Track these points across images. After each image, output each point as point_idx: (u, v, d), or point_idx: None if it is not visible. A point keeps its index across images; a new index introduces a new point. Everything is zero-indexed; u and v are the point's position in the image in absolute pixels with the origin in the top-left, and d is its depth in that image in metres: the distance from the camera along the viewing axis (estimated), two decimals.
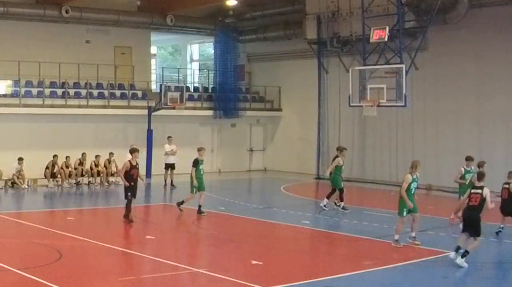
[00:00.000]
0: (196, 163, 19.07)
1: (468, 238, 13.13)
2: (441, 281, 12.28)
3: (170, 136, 26.88)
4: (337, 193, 19.73)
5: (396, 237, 14.84)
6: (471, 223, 13.08)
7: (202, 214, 18.97)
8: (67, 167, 26.24)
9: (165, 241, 15.85)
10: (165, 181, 26.40)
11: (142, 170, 29.03)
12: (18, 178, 25.21)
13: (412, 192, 15.53)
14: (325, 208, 19.22)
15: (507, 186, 16.80)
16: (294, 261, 13.65)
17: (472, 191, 13.37)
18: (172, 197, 24.78)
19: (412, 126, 27.53)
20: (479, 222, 13.05)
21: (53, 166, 25.93)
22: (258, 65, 35.20)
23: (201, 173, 19.21)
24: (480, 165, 17.56)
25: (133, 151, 18.19)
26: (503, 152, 25.09)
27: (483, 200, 13.11)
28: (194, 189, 19.00)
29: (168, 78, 34.39)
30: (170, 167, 26.47)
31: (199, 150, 19.53)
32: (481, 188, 13.31)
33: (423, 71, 26.09)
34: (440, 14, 24.91)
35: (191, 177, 18.93)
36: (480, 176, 13.78)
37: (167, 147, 26.59)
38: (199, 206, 19.05)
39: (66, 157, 26.10)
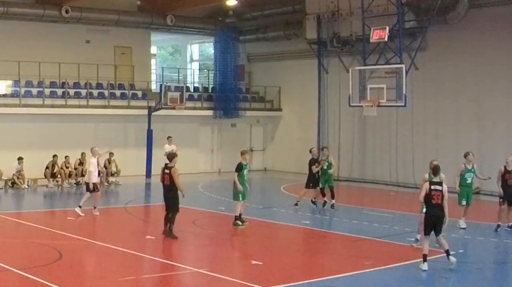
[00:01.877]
0: (240, 168, 17.17)
1: (429, 240, 12.53)
2: (441, 281, 12.28)
3: (170, 137, 26.86)
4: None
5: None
6: (437, 222, 12.51)
7: (243, 223, 17.24)
8: (66, 167, 26.25)
9: (165, 241, 15.84)
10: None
11: (142, 170, 29.20)
12: (18, 178, 25.21)
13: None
14: (332, 208, 19.73)
15: None
16: (294, 261, 13.65)
17: (432, 187, 12.58)
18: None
19: (412, 126, 27.53)
20: (442, 220, 12.55)
21: (53, 166, 25.95)
22: (258, 65, 35.20)
23: (245, 178, 17.36)
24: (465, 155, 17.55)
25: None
26: (503, 151, 24.99)
27: (443, 196, 12.57)
28: (240, 195, 17.22)
29: (168, 78, 34.40)
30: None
31: (243, 153, 17.56)
32: (441, 184, 12.64)
33: (423, 71, 26.10)
34: (440, 14, 24.93)
35: (234, 183, 17.13)
36: (435, 170, 12.84)
37: (167, 147, 26.55)
38: (240, 215, 17.35)
39: (66, 157, 26.11)
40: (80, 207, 18.65)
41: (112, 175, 27.16)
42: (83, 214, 18.54)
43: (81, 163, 26.61)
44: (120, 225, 18.40)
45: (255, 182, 31.36)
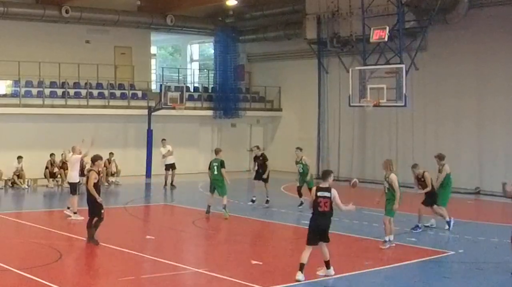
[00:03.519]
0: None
1: (310, 250, 11.64)
2: (441, 281, 12.28)
3: (164, 139, 26.82)
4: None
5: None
6: (323, 231, 11.58)
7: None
8: (64, 163, 26.15)
9: (165, 241, 15.84)
10: (165, 181, 26.35)
11: (142, 170, 29.19)
12: (18, 177, 25.21)
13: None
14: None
15: None
16: (294, 261, 13.61)
17: (319, 194, 11.60)
18: (172, 196, 24.81)
19: (412, 126, 27.53)
20: (328, 228, 11.69)
21: (52, 165, 25.90)
22: (258, 65, 35.20)
23: (213, 173, 19.06)
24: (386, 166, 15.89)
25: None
26: (503, 151, 25.10)
27: (331, 203, 11.58)
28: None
29: (168, 78, 34.41)
30: (170, 167, 26.43)
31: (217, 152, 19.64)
32: (329, 190, 11.63)
33: (423, 71, 26.09)
34: (440, 14, 24.93)
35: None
36: (324, 175, 11.97)
37: (163, 150, 26.53)
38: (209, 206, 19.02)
39: (62, 154, 25.80)
40: (75, 213, 18.39)
41: (112, 175, 27.16)
42: (82, 217, 18.48)
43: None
44: (120, 225, 18.38)
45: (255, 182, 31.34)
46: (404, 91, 23.27)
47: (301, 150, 21.15)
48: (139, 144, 29.49)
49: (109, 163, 27.05)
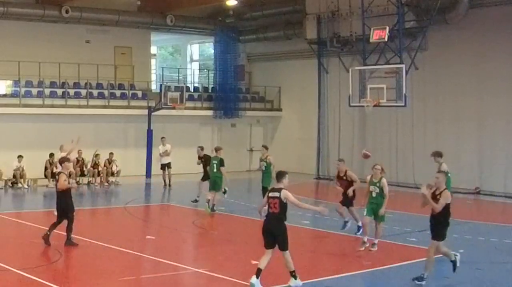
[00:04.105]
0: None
1: (269, 255, 11.18)
2: (442, 281, 12.27)
3: (164, 137, 26.88)
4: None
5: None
6: (274, 234, 11.06)
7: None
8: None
9: (165, 241, 15.84)
10: (164, 181, 26.39)
11: (142, 170, 29.18)
12: (20, 176, 25.21)
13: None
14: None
15: None
16: (294, 261, 13.62)
17: (270, 194, 11.15)
18: (171, 196, 24.80)
19: (412, 126, 27.53)
20: (286, 232, 11.12)
21: (51, 165, 25.88)
22: (258, 65, 35.20)
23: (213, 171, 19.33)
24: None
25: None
26: (503, 151, 25.10)
27: (284, 205, 11.04)
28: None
29: (168, 78, 34.42)
30: (166, 166, 26.45)
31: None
32: (279, 190, 11.10)
33: (423, 71, 26.08)
34: (440, 14, 24.94)
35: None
36: (279, 176, 11.39)
37: (161, 148, 26.58)
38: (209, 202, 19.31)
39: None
40: None
41: (112, 175, 27.16)
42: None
43: (78, 161, 26.57)
44: (120, 225, 18.39)
45: (255, 182, 31.34)
46: (404, 91, 23.28)
47: (267, 148, 21.01)
48: (139, 144, 29.48)
49: (109, 163, 27.06)
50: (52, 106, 27.26)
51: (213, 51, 35.26)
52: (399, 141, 28.21)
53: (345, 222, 16.14)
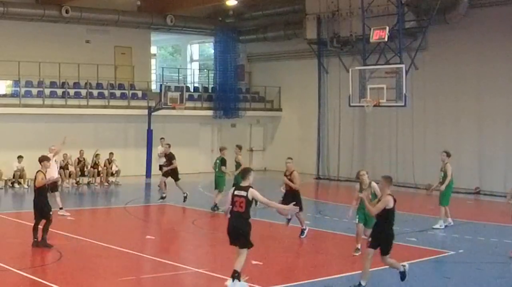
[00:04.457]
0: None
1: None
2: (441, 281, 12.28)
3: (163, 138, 26.87)
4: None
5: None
6: (238, 234, 10.87)
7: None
8: (66, 165, 26.19)
9: (165, 241, 15.85)
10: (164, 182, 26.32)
11: (142, 170, 29.17)
12: (20, 177, 25.20)
13: None
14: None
15: None
16: (294, 261, 13.65)
17: (235, 192, 10.90)
18: (170, 196, 24.77)
19: (412, 126, 27.53)
20: (249, 232, 10.92)
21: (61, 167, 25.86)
22: (258, 65, 35.20)
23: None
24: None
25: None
26: (503, 151, 25.11)
27: (249, 204, 10.81)
28: None
29: (168, 78, 34.42)
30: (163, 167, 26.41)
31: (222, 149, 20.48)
32: (246, 188, 10.89)
33: (423, 71, 26.09)
34: (440, 14, 24.94)
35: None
36: (244, 174, 11.26)
37: (159, 149, 26.60)
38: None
39: (64, 155, 25.90)
40: (61, 208, 18.55)
41: (112, 175, 27.16)
42: (68, 213, 18.55)
43: (80, 162, 26.61)
44: (120, 225, 18.39)
45: (255, 182, 31.36)
46: (404, 91, 23.28)
47: (240, 148, 21.40)
48: (139, 144, 29.49)
49: (109, 163, 27.06)
50: (52, 106, 27.27)
51: (213, 51, 35.26)
52: (399, 142, 28.21)
53: (303, 230, 15.95)
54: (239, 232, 10.86)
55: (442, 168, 17.40)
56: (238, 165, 20.36)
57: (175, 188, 21.87)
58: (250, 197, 10.77)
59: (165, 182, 21.94)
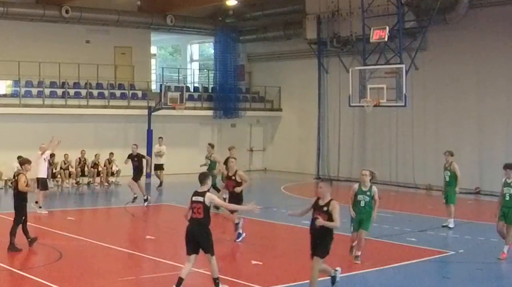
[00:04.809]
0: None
1: (191, 263, 10.68)
2: (441, 281, 12.28)
3: (161, 137, 26.88)
4: None
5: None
6: (197, 240, 10.60)
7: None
8: (65, 164, 26.19)
9: (165, 241, 15.84)
10: (160, 181, 26.34)
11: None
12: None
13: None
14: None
15: None
16: (294, 261, 13.64)
17: (193, 199, 10.52)
18: (171, 196, 24.77)
19: (412, 126, 27.53)
20: (210, 237, 10.64)
21: (51, 165, 25.84)
22: (258, 65, 35.20)
23: None
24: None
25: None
26: (503, 151, 25.08)
27: (208, 209, 10.50)
28: None
29: (168, 78, 34.41)
30: (159, 167, 26.42)
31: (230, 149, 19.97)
32: (203, 194, 10.50)
33: (423, 71, 26.10)
34: (440, 14, 24.94)
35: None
36: (201, 178, 10.74)
37: (157, 148, 26.61)
38: None
39: (65, 155, 25.97)
40: (40, 207, 18.73)
41: (112, 175, 27.16)
42: (46, 212, 18.60)
43: (81, 162, 26.61)
44: (120, 225, 18.39)
45: (255, 182, 31.38)
46: (404, 91, 23.29)
47: (213, 146, 21.47)
48: (139, 144, 29.10)
49: (109, 163, 27.06)
50: (52, 106, 27.27)
51: (213, 51, 35.27)
52: (399, 141, 28.21)
53: (239, 234, 15.13)
54: (199, 239, 10.55)
55: (447, 167, 17.43)
56: (213, 163, 20.57)
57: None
58: (207, 203, 10.45)
59: (138, 184, 21.33)
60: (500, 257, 13.61)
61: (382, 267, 12.85)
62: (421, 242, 15.41)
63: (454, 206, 17.36)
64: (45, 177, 19.84)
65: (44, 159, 19.50)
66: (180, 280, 10.42)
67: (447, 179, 17.36)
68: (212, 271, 10.69)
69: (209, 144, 21.50)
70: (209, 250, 10.56)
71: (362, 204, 13.00)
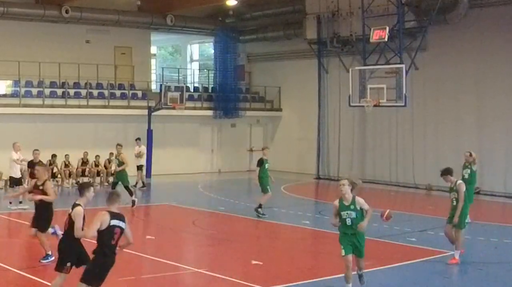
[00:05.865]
0: (261, 163, 19.35)
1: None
2: (441, 281, 12.28)
3: (139, 138, 26.80)
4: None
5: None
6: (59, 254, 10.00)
7: (263, 215, 18.71)
8: (66, 165, 26.21)
9: (165, 241, 15.84)
10: (142, 181, 26.30)
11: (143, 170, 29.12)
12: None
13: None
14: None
15: None
16: (294, 261, 13.65)
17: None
18: (171, 196, 24.79)
19: (412, 126, 27.53)
20: (66, 251, 10.25)
21: (51, 165, 25.85)
22: (258, 65, 35.20)
23: (267, 172, 19.36)
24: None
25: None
26: (503, 151, 25.11)
27: (73, 222, 9.96)
28: (268, 188, 19.16)
29: (168, 78, 34.40)
30: (138, 168, 26.40)
31: (263, 149, 20.28)
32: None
33: (423, 71, 26.10)
34: (440, 14, 24.92)
35: (259, 177, 19.13)
36: (80, 189, 10.22)
37: (136, 149, 26.49)
38: (261, 205, 18.88)
39: (66, 155, 26.01)
40: (10, 203, 19.38)
41: (112, 175, 27.12)
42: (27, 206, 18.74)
43: (84, 163, 26.63)
44: None
45: (255, 182, 31.35)
46: (404, 91, 23.30)
47: (121, 146, 21.67)
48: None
49: (109, 163, 27.05)
50: (52, 106, 27.26)
51: (213, 51, 35.26)
52: (399, 142, 28.21)
53: (53, 233, 12.28)
54: (60, 252, 10.01)
55: (467, 165, 17.53)
56: (120, 162, 20.77)
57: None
58: (73, 217, 9.80)
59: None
60: (449, 262, 13.09)
61: (382, 267, 12.85)
62: (421, 242, 15.42)
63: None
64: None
65: (18, 159, 20.20)
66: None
67: (467, 177, 17.35)
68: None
69: (118, 144, 21.78)
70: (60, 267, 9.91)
71: (349, 222, 10.48)
